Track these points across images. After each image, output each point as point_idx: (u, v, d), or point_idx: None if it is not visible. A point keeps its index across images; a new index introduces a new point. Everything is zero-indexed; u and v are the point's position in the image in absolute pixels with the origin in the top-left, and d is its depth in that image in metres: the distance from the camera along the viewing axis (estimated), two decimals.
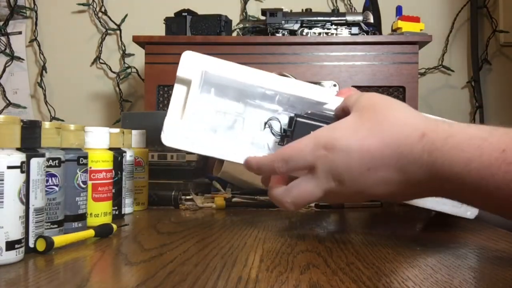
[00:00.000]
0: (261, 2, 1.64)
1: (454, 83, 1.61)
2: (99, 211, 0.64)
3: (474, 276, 0.44)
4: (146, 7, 1.67)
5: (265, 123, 0.61)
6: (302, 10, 1.36)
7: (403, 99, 1.27)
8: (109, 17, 1.67)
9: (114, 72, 1.68)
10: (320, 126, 0.55)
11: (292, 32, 1.32)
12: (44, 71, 1.70)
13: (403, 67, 1.28)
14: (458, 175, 0.45)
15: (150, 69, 1.31)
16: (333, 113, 0.58)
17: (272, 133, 0.60)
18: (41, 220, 0.49)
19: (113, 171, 0.67)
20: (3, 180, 0.43)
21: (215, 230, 0.63)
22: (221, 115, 0.62)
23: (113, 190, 0.67)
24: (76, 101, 1.70)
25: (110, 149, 0.67)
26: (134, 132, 0.79)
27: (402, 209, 0.75)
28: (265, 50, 1.28)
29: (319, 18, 1.33)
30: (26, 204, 0.46)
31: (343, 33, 1.31)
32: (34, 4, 1.70)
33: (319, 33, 1.32)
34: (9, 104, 1.70)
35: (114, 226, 0.58)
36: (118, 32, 1.67)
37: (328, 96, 0.59)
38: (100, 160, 0.65)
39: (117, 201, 0.69)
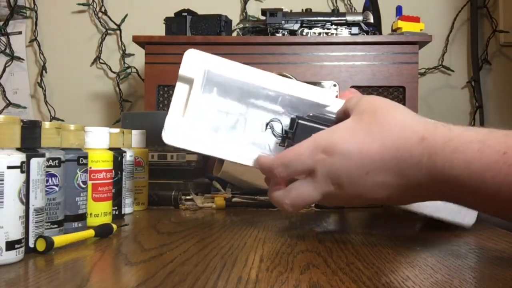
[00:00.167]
0: (261, 2, 1.64)
1: (454, 83, 1.61)
2: (99, 211, 0.64)
3: (474, 276, 0.44)
4: (146, 7, 1.67)
5: (267, 124, 0.61)
6: (302, 10, 1.36)
7: (403, 99, 1.28)
8: (109, 17, 1.67)
9: (114, 72, 1.68)
10: (322, 129, 0.55)
11: (292, 32, 1.32)
12: (44, 71, 1.70)
13: (403, 67, 1.28)
14: (458, 177, 0.45)
15: (150, 69, 1.31)
16: (334, 115, 0.58)
17: (274, 134, 0.60)
18: (41, 220, 0.49)
19: (113, 171, 0.67)
20: (3, 180, 0.43)
21: (215, 230, 0.63)
22: (223, 114, 0.61)
23: (113, 190, 0.67)
24: (76, 101, 1.70)
25: (110, 149, 0.67)
26: (134, 132, 0.79)
27: (402, 209, 0.75)
28: (265, 50, 1.29)
29: (319, 18, 1.33)
30: (26, 204, 0.46)
31: (343, 33, 1.31)
32: (34, 4, 1.70)
33: (319, 33, 1.32)
34: (9, 104, 1.70)
35: (114, 226, 0.58)
36: (118, 32, 1.67)
37: (330, 99, 0.59)
38: (100, 160, 0.65)
39: (117, 201, 0.69)
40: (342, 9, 1.60)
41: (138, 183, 0.79)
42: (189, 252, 0.50)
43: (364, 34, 1.31)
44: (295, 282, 0.39)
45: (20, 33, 1.72)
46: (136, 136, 0.80)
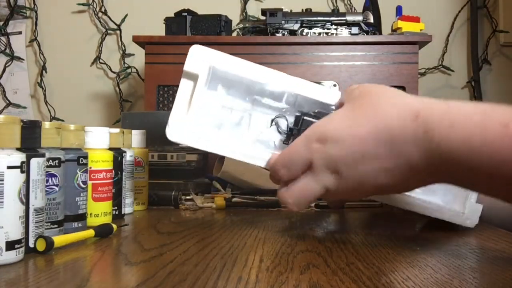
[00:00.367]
0: (261, 2, 1.64)
1: (454, 83, 1.61)
2: (99, 211, 0.64)
3: (474, 276, 0.44)
4: (146, 7, 1.67)
5: (272, 121, 0.60)
6: (302, 10, 1.36)
7: None
8: (109, 17, 1.68)
9: (114, 72, 1.68)
10: None
11: (292, 32, 1.32)
12: (44, 71, 1.70)
13: (403, 67, 1.28)
14: (459, 152, 0.43)
15: (150, 69, 1.31)
16: None
17: (279, 131, 0.60)
18: (41, 220, 0.49)
19: (113, 171, 0.67)
20: (3, 180, 0.43)
21: (215, 230, 0.63)
22: (228, 111, 0.61)
23: (113, 190, 0.67)
24: (76, 101, 1.70)
25: (110, 149, 0.67)
26: (134, 132, 0.79)
27: (403, 210, 0.75)
28: (265, 50, 1.29)
29: (319, 18, 1.33)
30: (26, 204, 0.46)
31: (343, 33, 1.31)
32: (34, 4, 1.70)
33: (319, 33, 1.32)
34: (9, 104, 1.70)
35: (114, 226, 0.58)
36: (118, 32, 1.67)
37: (336, 97, 0.59)
38: (100, 160, 0.65)
39: (117, 201, 0.69)
40: (342, 9, 1.60)
41: (138, 183, 0.79)
42: (189, 252, 0.50)
43: (364, 34, 1.31)
44: (295, 282, 0.39)
45: (20, 33, 1.72)
46: (136, 136, 0.80)
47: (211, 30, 1.33)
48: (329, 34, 1.32)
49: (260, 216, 0.74)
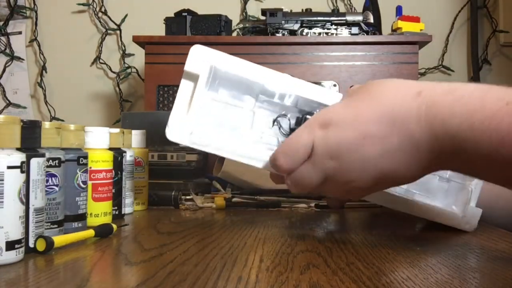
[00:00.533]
0: (261, 2, 1.64)
1: None
2: (99, 211, 0.64)
3: (474, 276, 0.44)
4: (146, 7, 1.67)
5: (274, 121, 0.60)
6: (302, 10, 1.36)
7: None
8: (109, 17, 1.68)
9: (114, 72, 1.68)
10: None
11: (292, 32, 1.32)
12: (44, 71, 1.70)
13: (403, 67, 1.28)
14: (460, 128, 0.43)
15: (150, 69, 1.31)
16: None
17: (281, 132, 0.60)
18: (41, 220, 0.49)
19: (113, 171, 0.67)
20: (3, 180, 0.43)
21: (215, 230, 0.63)
22: (228, 111, 0.60)
23: (113, 190, 0.67)
24: (76, 101, 1.70)
25: (110, 149, 0.67)
26: (134, 132, 0.79)
27: (406, 213, 0.75)
28: (265, 50, 1.29)
29: (319, 18, 1.33)
30: (26, 204, 0.46)
31: (343, 33, 1.31)
32: (34, 4, 1.70)
33: (319, 33, 1.32)
34: (9, 104, 1.70)
35: (114, 226, 0.58)
36: (118, 32, 1.67)
37: (337, 99, 0.59)
38: (100, 160, 0.65)
39: (117, 201, 0.69)
40: (342, 9, 1.60)
41: (138, 183, 0.79)
42: (189, 252, 0.50)
43: (364, 34, 1.31)
44: (295, 282, 0.39)
45: (20, 33, 1.72)
46: (136, 136, 0.80)
47: (211, 30, 1.33)
48: (329, 34, 1.32)
49: (260, 216, 0.74)
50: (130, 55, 1.67)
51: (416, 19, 1.31)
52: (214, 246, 0.53)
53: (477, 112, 0.43)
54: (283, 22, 1.31)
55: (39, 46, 1.70)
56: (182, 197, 0.85)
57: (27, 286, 0.38)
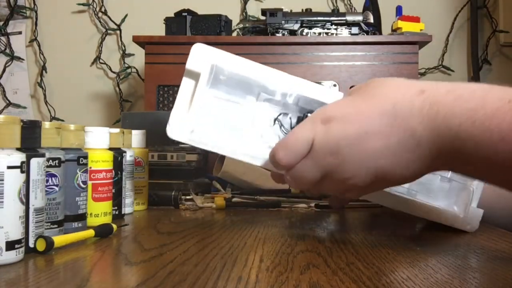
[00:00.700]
0: (261, 2, 1.64)
1: None
2: (99, 211, 0.64)
3: (474, 276, 0.44)
4: (146, 7, 1.67)
5: (275, 119, 0.60)
6: (302, 10, 1.36)
7: None
8: (109, 17, 1.68)
9: (114, 72, 1.68)
10: None
11: (292, 32, 1.32)
12: (44, 71, 1.70)
13: (403, 67, 1.28)
14: (462, 127, 0.43)
15: (150, 69, 1.31)
16: None
17: (282, 130, 0.60)
18: (41, 220, 0.49)
19: (113, 171, 0.67)
20: (3, 180, 0.43)
21: (215, 230, 0.63)
22: (230, 110, 0.60)
23: (113, 190, 0.67)
24: (76, 101, 1.70)
25: (110, 149, 0.67)
26: (134, 132, 0.79)
27: (406, 214, 0.75)
28: (265, 50, 1.29)
29: (319, 18, 1.33)
30: (26, 204, 0.46)
31: (343, 33, 1.31)
32: (34, 4, 1.70)
33: (319, 33, 1.32)
34: (9, 104, 1.70)
35: (114, 226, 0.58)
36: (118, 32, 1.67)
37: (338, 98, 0.59)
38: (100, 160, 0.65)
39: (117, 201, 0.69)
40: (342, 9, 1.60)
41: (138, 183, 0.79)
42: (189, 252, 0.50)
43: (364, 34, 1.31)
44: (295, 282, 0.39)
45: (20, 33, 1.72)
46: (136, 136, 0.80)
47: (211, 30, 1.33)
48: (329, 34, 1.32)
49: (260, 216, 0.74)
50: (130, 55, 1.67)
51: (416, 19, 1.31)
52: (214, 246, 0.53)
53: (478, 111, 0.43)
54: (283, 22, 1.32)
55: (39, 46, 1.70)
56: (182, 197, 0.85)
57: (27, 286, 0.38)
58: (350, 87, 1.26)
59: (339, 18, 1.32)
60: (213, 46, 0.59)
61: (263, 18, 1.38)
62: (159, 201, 0.82)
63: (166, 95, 1.31)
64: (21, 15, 1.72)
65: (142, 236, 0.60)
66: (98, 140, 0.65)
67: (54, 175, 0.53)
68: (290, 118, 0.60)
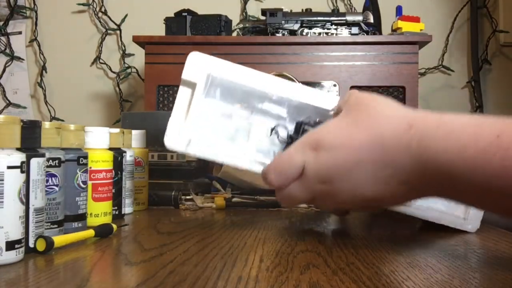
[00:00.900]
0: (261, 2, 1.64)
1: (454, 83, 1.61)
2: (99, 211, 0.64)
3: (474, 276, 0.44)
4: (146, 7, 1.67)
5: (272, 130, 0.60)
6: (302, 10, 1.36)
7: (403, 99, 1.28)
8: (109, 17, 1.68)
9: (114, 72, 1.68)
10: None
11: (292, 32, 1.32)
12: (44, 71, 1.70)
13: (403, 67, 1.28)
14: (452, 164, 0.43)
15: (150, 69, 1.31)
16: None
17: (279, 140, 0.60)
18: (41, 220, 0.49)
19: (113, 171, 0.67)
20: (3, 180, 0.43)
21: (215, 230, 0.63)
22: (227, 119, 0.60)
23: (113, 190, 0.67)
24: (76, 101, 1.70)
25: (110, 149, 0.67)
26: (134, 132, 0.79)
27: (406, 214, 0.75)
28: (265, 50, 1.29)
29: (319, 18, 1.33)
30: (26, 204, 0.46)
31: (343, 33, 1.31)
32: (34, 4, 1.70)
33: (319, 33, 1.32)
34: (9, 104, 1.70)
35: (114, 226, 0.58)
36: (118, 32, 1.67)
37: (333, 102, 0.59)
38: (100, 160, 0.65)
39: (117, 201, 0.69)
40: (342, 9, 1.60)
41: (138, 183, 0.79)
42: (189, 252, 0.50)
43: (364, 34, 1.31)
44: (295, 282, 0.39)
45: (20, 33, 1.72)
46: (136, 136, 0.80)
47: (211, 30, 1.33)
48: (329, 34, 1.32)
49: (260, 216, 0.74)
50: (130, 55, 1.67)
51: (416, 19, 1.31)
52: (214, 246, 0.53)
53: (470, 148, 0.42)
54: (283, 22, 1.31)
55: (39, 46, 1.70)
56: (182, 197, 0.85)
57: (27, 286, 0.38)
58: (350, 87, 1.27)
59: (339, 18, 1.32)
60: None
61: (263, 18, 1.38)
62: (159, 201, 0.82)
63: (166, 95, 1.31)
64: (21, 15, 1.72)
65: (142, 236, 0.60)
66: (98, 140, 0.65)
67: (54, 175, 0.53)
68: (287, 128, 0.60)
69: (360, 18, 1.32)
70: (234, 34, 1.55)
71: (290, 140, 0.58)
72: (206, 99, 0.59)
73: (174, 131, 0.58)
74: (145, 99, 1.33)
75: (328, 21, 1.32)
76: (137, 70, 1.67)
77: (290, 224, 0.70)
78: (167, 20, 1.36)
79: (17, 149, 0.45)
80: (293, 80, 1.24)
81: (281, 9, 1.33)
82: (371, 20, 1.33)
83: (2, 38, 1.71)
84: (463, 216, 0.63)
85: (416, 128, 0.46)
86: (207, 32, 1.33)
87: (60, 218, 0.54)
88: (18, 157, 0.44)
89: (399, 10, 1.37)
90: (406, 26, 1.30)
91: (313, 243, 0.55)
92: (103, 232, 0.56)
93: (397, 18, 1.33)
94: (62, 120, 1.63)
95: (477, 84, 1.56)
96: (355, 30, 1.31)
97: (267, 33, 1.32)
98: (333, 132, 0.50)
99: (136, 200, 0.78)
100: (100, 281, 0.41)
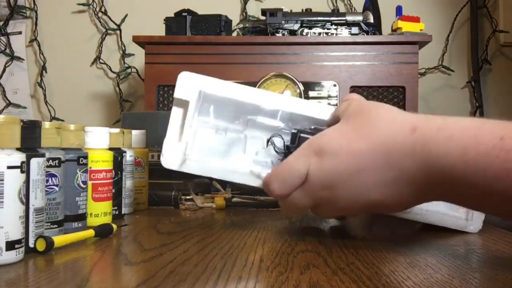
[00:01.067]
0: (261, 2, 1.64)
1: (454, 83, 1.61)
2: (99, 211, 0.64)
3: (474, 276, 0.44)
4: (146, 7, 1.67)
5: (268, 140, 0.61)
6: (302, 10, 1.36)
7: (403, 99, 1.27)
8: (109, 17, 1.67)
9: (114, 72, 1.68)
10: None
11: (292, 32, 1.32)
12: (44, 71, 1.70)
13: (403, 67, 1.28)
14: (455, 167, 0.43)
15: (150, 69, 1.31)
16: None
17: (276, 151, 0.60)
18: (41, 220, 0.49)
19: (113, 171, 0.67)
20: (3, 180, 0.43)
21: (215, 230, 0.63)
22: (222, 134, 0.62)
23: (113, 190, 0.67)
24: (76, 101, 1.70)
25: (110, 149, 0.67)
26: (134, 132, 0.79)
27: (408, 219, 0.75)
28: (265, 50, 1.28)
29: (319, 18, 1.33)
30: (26, 204, 0.46)
31: (343, 33, 1.31)
32: (34, 4, 1.70)
33: (319, 33, 1.32)
34: (9, 104, 1.70)
35: (114, 226, 0.58)
36: (118, 32, 1.67)
37: (328, 112, 0.59)
38: (100, 160, 0.65)
39: (117, 201, 0.69)
40: (342, 9, 1.60)
41: (138, 183, 0.79)
42: (189, 252, 0.50)
43: (364, 34, 1.31)
44: (295, 282, 0.39)
45: (20, 33, 1.72)
46: (136, 136, 0.80)
47: (211, 30, 1.33)
48: (329, 34, 1.32)
49: (260, 216, 0.74)
50: (130, 55, 1.67)
51: (416, 19, 1.31)
52: (214, 246, 0.53)
53: (471, 150, 0.42)
54: (283, 22, 1.31)
55: (39, 46, 1.70)
56: (182, 197, 0.85)
57: (27, 286, 0.38)
58: (350, 87, 1.27)
59: (339, 18, 1.32)
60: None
61: (263, 18, 1.38)
62: (159, 201, 0.82)
63: (166, 95, 1.31)
64: (21, 15, 1.72)
65: (142, 236, 0.60)
66: (98, 140, 0.65)
67: (54, 175, 0.53)
68: (283, 138, 0.60)
69: (360, 18, 1.32)
70: (234, 34, 1.55)
71: (287, 150, 0.58)
72: (199, 116, 0.60)
73: (169, 151, 0.59)
74: (145, 99, 1.33)
75: (328, 21, 1.32)
76: (137, 70, 1.67)
77: (290, 224, 0.70)
78: (167, 20, 1.36)
79: (17, 149, 0.45)
80: (293, 80, 1.24)
81: (281, 9, 1.33)
82: (371, 20, 1.33)
83: (2, 38, 1.71)
84: (465, 217, 0.63)
85: (419, 132, 0.46)
86: (207, 32, 1.33)
87: (60, 218, 0.54)
88: (18, 157, 0.44)
89: (399, 10, 1.37)
90: (406, 26, 1.30)
91: (313, 243, 0.55)
92: (103, 232, 0.56)
93: (397, 18, 1.33)
94: (62, 120, 1.63)
95: (477, 84, 1.55)
96: (355, 30, 1.31)
97: (267, 33, 1.32)
98: (335, 138, 0.50)
99: (136, 200, 0.78)
100: (100, 281, 0.41)
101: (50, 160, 0.53)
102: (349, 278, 0.41)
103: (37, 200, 0.48)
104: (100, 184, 0.64)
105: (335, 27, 1.32)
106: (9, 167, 0.43)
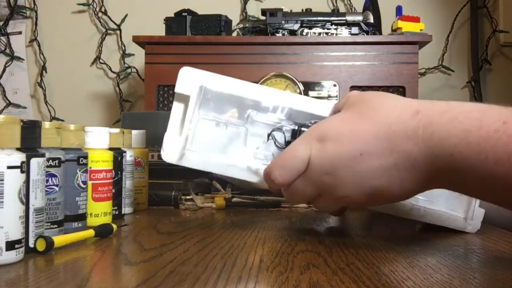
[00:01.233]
0: (261, 2, 1.64)
1: (454, 83, 1.61)
2: (99, 211, 0.64)
3: (474, 276, 0.44)
4: (146, 7, 1.67)
5: (269, 135, 0.61)
6: (302, 10, 1.36)
7: None
8: (109, 17, 1.68)
9: (114, 72, 1.68)
10: None
11: (292, 32, 1.32)
12: (44, 71, 1.70)
13: (403, 67, 1.28)
14: (456, 148, 0.43)
15: (150, 69, 1.31)
16: None
17: (276, 145, 0.60)
18: (41, 220, 0.49)
19: (113, 171, 0.67)
20: (3, 180, 0.43)
21: (215, 230, 0.63)
22: (222, 129, 0.62)
23: (113, 190, 0.67)
24: (76, 101, 1.70)
25: (110, 149, 0.67)
26: (134, 132, 0.79)
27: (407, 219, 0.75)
28: (265, 50, 1.28)
29: (319, 18, 1.33)
30: (26, 204, 0.46)
31: (343, 33, 1.31)
32: (34, 4, 1.70)
33: (319, 33, 1.32)
34: (9, 104, 1.70)
35: (114, 226, 0.58)
36: (118, 32, 1.67)
37: (328, 108, 0.59)
38: (100, 160, 0.65)
39: (117, 201, 0.69)
40: (342, 9, 1.60)
41: (138, 183, 0.79)
42: (189, 252, 0.50)
43: (364, 34, 1.31)
44: (295, 282, 0.39)
45: (20, 33, 1.72)
46: (136, 136, 0.80)
47: (211, 30, 1.33)
48: (329, 34, 1.32)
49: (260, 216, 0.74)
50: (130, 55, 1.67)
51: (416, 19, 1.31)
52: (214, 246, 0.53)
53: (473, 132, 0.42)
54: (283, 22, 1.31)
55: (39, 46, 1.70)
56: (182, 197, 0.85)
57: (27, 286, 0.38)
58: (350, 87, 1.27)
59: (339, 18, 1.32)
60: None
61: (263, 18, 1.38)
62: (159, 201, 0.82)
63: (166, 95, 1.31)
64: (21, 15, 1.72)
65: (142, 236, 0.60)
66: (98, 140, 0.65)
67: (54, 175, 0.53)
68: (284, 133, 0.60)
69: (360, 18, 1.32)
70: (234, 34, 1.55)
71: (288, 144, 0.58)
72: (200, 111, 0.61)
73: (170, 146, 0.60)
74: (145, 99, 1.33)
75: (328, 21, 1.32)
76: (137, 70, 1.67)
77: (290, 224, 0.70)
78: (167, 20, 1.36)
79: (17, 149, 0.45)
80: (293, 80, 1.24)
81: (281, 9, 1.33)
82: (371, 20, 1.33)
83: (2, 38, 1.71)
84: (464, 216, 0.63)
85: (422, 114, 0.46)
86: (207, 32, 1.33)
87: (60, 218, 0.54)
88: (18, 157, 0.44)
89: (399, 10, 1.37)
90: (406, 26, 1.30)
91: (313, 243, 0.55)
92: (103, 232, 0.56)
93: (397, 18, 1.33)
94: (62, 120, 1.63)
95: (477, 84, 1.55)
96: (355, 30, 1.31)
97: (267, 33, 1.32)
98: (337, 124, 0.50)
99: (136, 200, 0.78)
100: (100, 281, 0.41)
101: (50, 160, 0.53)
102: (349, 278, 0.41)
103: (37, 200, 0.48)
104: (100, 184, 0.64)
105: (335, 27, 1.32)
106: (9, 167, 0.43)
